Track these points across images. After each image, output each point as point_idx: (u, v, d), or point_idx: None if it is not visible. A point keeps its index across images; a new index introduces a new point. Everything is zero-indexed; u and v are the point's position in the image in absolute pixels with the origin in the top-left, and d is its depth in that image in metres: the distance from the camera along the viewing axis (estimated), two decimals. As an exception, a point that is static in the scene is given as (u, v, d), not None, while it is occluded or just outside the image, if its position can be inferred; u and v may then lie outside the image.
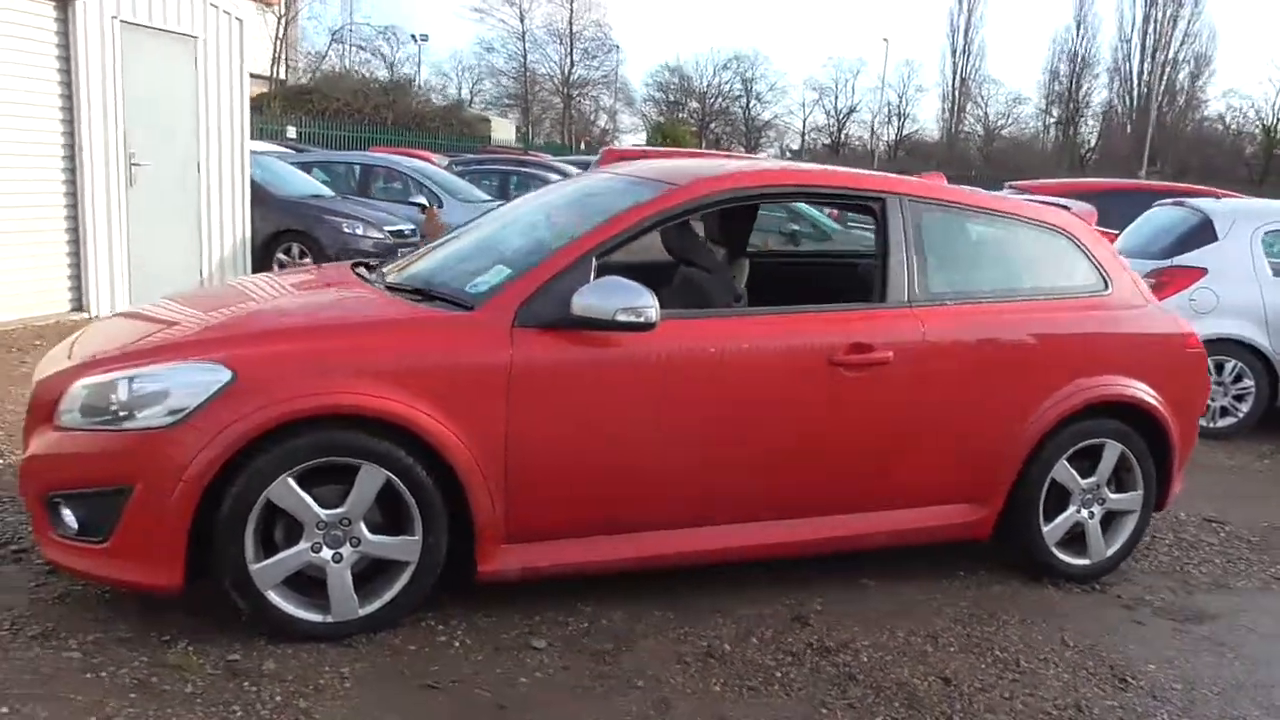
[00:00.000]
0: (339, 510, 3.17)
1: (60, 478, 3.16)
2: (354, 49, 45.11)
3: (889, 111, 64.23)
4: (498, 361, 3.26)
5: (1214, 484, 5.87)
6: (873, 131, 64.01)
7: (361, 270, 4.11)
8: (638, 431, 3.44)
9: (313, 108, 32.06)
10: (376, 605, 3.27)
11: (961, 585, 4.16)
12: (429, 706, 2.97)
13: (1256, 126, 56.44)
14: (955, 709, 3.22)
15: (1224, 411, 7.10)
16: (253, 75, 10.65)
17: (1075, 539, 4.26)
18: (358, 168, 14.07)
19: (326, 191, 12.16)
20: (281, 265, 10.77)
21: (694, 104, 62.65)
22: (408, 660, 3.20)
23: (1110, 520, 4.31)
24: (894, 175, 4.34)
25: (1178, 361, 4.34)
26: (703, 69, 63.00)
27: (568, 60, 55.99)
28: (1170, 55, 56.79)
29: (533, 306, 3.33)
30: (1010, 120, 63.96)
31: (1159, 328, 4.35)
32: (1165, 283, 6.93)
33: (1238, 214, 7.31)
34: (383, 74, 42.36)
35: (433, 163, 16.35)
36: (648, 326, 3.31)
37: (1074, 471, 4.16)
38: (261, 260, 10.45)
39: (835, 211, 11.50)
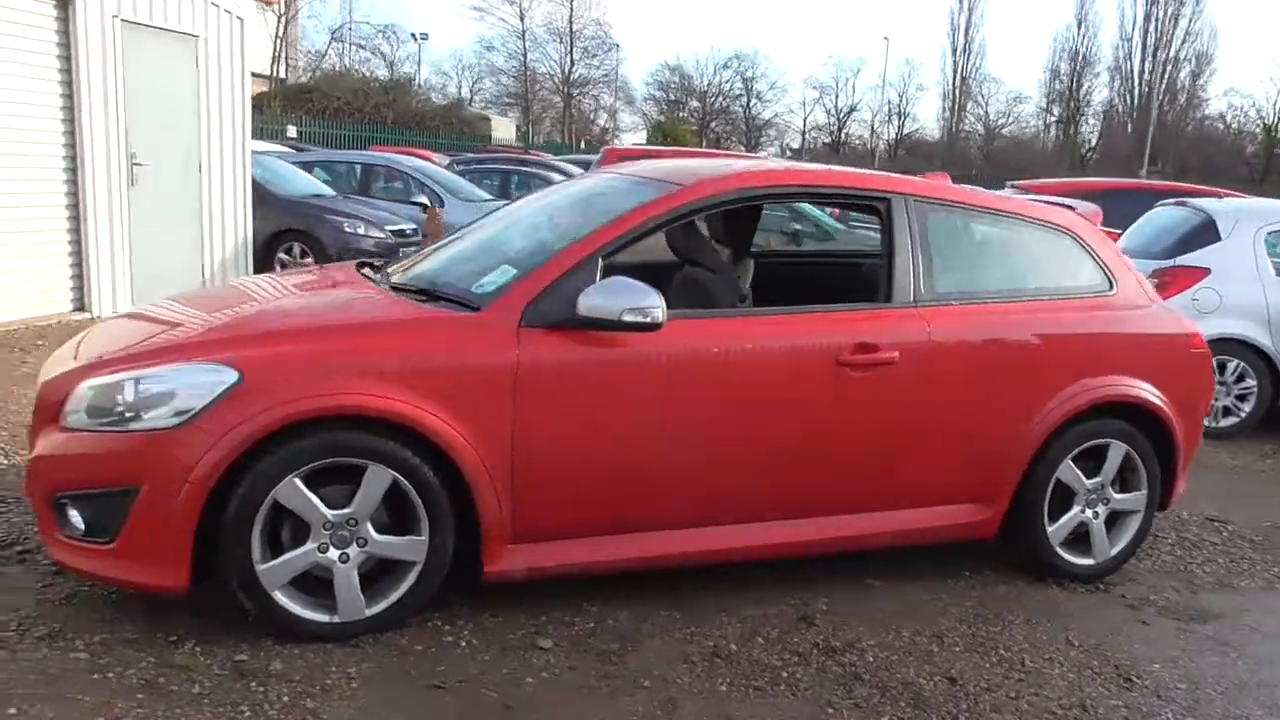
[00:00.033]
0: (346, 511, 3.17)
1: (67, 478, 3.16)
2: (354, 48, 45.14)
3: (889, 110, 64.30)
4: (504, 362, 3.26)
5: (1216, 483, 5.88)
6: (873, 130, 64.08)
7: (367, 270, 4.11)
8: (644, 432, 3.45)
9: (313, 107, 32.07)
10: (383, 605, 3.28)
11: (966, 585, 4.17)
12: (436, 707, 2.97)
13: (1257, 125, 56.49)
14: (961, 708, 3.22)
15: (1226, 411, 7.10)
16: (253, 74, 10.63)
17: (1079, 539, 4.26)
18: (359, 167, 14.06)
19: (328, 191, 12.15)
20: (283, 265, 10.77)
21: (694, 103, 62.66)
22: (414, 660, 3.20)
23: (1114, 520, 4.31)
24: (899, 175, 4.34)
25: (1182, 361, 4.34)
26: (703, 68, 63.03)
27: (568, 59, 56.04)
28: (1171, 54, 56.84)
29: (539, 307, 3.33)
30: (1011, 119, 64.03)
31: (1164, 328, 4.35)
32: (1168, 282, 6.93)
33: (1241, 214, 7.31)
34: (382, 73, 42.37)
35: (433, 162, 16.35)
36: (654, 327, 3.31)
37: (1079, 471, 4.16)
38: (263, 260, 10.45)
39: (837, 211, 11.52)
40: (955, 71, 62.11)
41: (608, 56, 57.31)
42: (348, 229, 10.79)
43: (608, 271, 3.44)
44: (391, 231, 11.10)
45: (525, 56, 55.12)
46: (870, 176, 4.19)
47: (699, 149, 28.07)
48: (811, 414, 3.67)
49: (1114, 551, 4.31)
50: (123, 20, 8.06)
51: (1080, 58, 60.62)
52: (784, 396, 3.62)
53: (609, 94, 59.75)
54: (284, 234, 10.79)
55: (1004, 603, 4.03)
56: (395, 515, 3.26)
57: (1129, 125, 58.42)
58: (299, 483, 3.09)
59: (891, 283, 3.86)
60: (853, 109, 65.53)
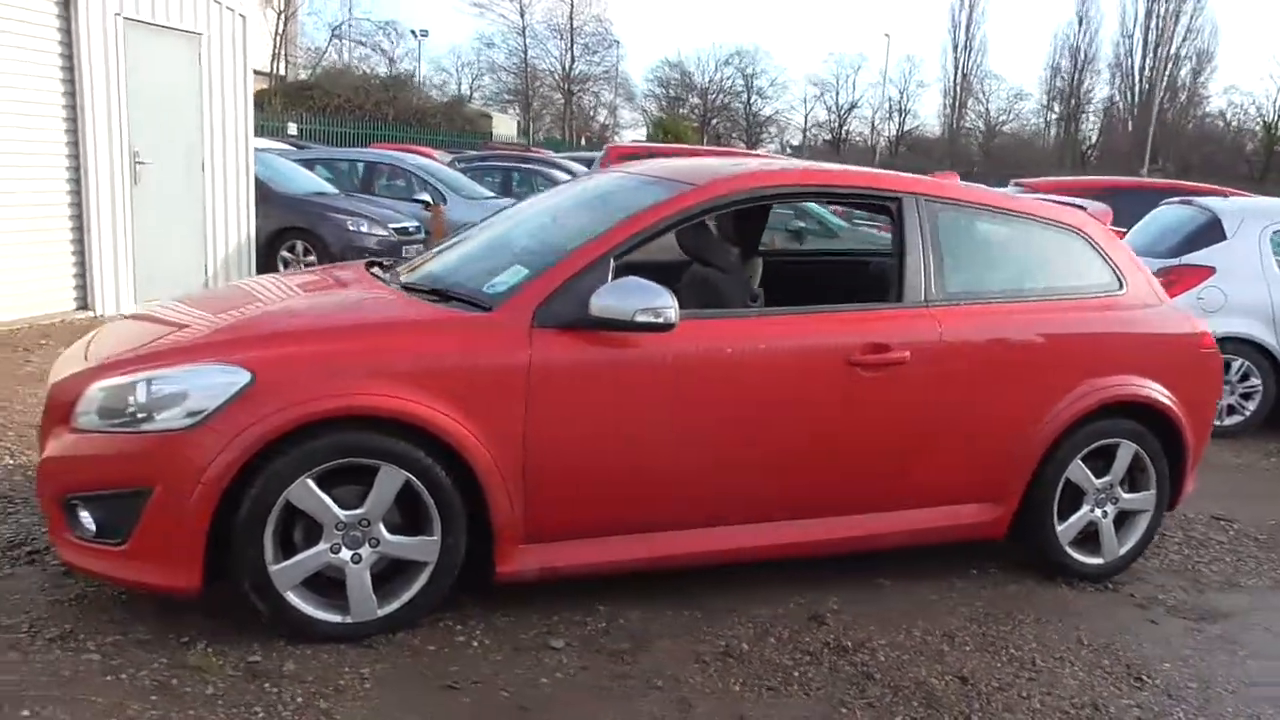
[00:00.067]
0: (358, 511, 3.17)
1: (78, 480, 3.15)
2: (353, 44, 45.12)
3: (890, 107, 64.28)
4: (516, 362, 3.25)
5: (1221, 482, 5.87)
6: (873, 127, 64.05)
7: (376, 270, 4.11)
8: (656, 432, 3.44)
9: (314, 104, 32.07)
10: (395, 606, 3.27)
11: (976, 584, 4.17)
12: (450, 708, 2.97)
13: (1257, 123, 56.48)
14: (974, 708, 3.22)
15: (1231, 410, 7.10)
16: (254, 72, 10.63)
17: (1088, 538, 4.26)
18: (361, 165, 14.04)
19: (330, 189, 12.14)
20: (286, 263, 10.76)
21: (695, 99, 62.63)
22: (427, 661, 3.20)
23: (1123, 519, 4.31)
24: (910, 175, 4.33)
25: (1192, 361, 4.34)
26: (704, 64, 62.98)
27: (568, 55, 55.99)
28: (1172, 51, 56.82)
29: (551, 307, 3.32)
30: (1012, 116, 64.01)
31: (1173, 327, 4.35)
32: (1173, 281, 6.91)
33: (1246, 213, 7.31)
34: (383, 70, 42.35)
35: (434, 159, 16.33)
36: (667, 327, 3.31)
37: (1088, 471, 4.17)
38: (265, 258, 10.43)
39: (840, 208, 11.50)
40: (956, 68, 62.12)
41: (608, 53, 57.34)
42: (351, 227, 10.78)
43: (616, 271, 3.44)
44: (394, 229, 11.09)
45: (526, 53, 55.11)
46: (882, 176, 4.19)
47: (701, 146, 28.05)
48: (823, 414, 3.67)
49: (1123, 551, 4.31)
50: (125, 18, 8.04)
51: (1081, 55, 60.64)
52: (796, 397, 3.62)
53: (609, 90, 59.78)
54: (287, 232, 10.77)
55: (1013, 602, 4.03)
56: (407, 516, 3.26)
57: (1129, 122, 58.44)
58: (311, 483, 3.09)
59: (903, 282, 3.85)
60: (853, 106, 65.54)
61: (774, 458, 3.64)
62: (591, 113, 60.16)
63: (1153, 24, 58.12)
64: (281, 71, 36.77)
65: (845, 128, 65.69)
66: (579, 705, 3.05)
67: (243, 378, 3.04)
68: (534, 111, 56.14)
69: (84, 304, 8.13)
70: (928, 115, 70.21)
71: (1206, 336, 4.40)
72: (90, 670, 2.98)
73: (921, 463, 3.88)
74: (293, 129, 27.03)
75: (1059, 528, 4.16)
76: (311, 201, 11.14)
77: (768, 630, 3.59)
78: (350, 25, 44.97)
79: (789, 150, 58.02)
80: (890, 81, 63.66)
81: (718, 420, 3.52)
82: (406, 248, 10.92)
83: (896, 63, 73.53)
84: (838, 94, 65.20)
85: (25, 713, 2.75)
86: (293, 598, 3.16)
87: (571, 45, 55.56)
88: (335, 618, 3.22)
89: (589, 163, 16.81)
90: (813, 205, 10.69)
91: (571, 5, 54.34)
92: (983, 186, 6.41)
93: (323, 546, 3.16)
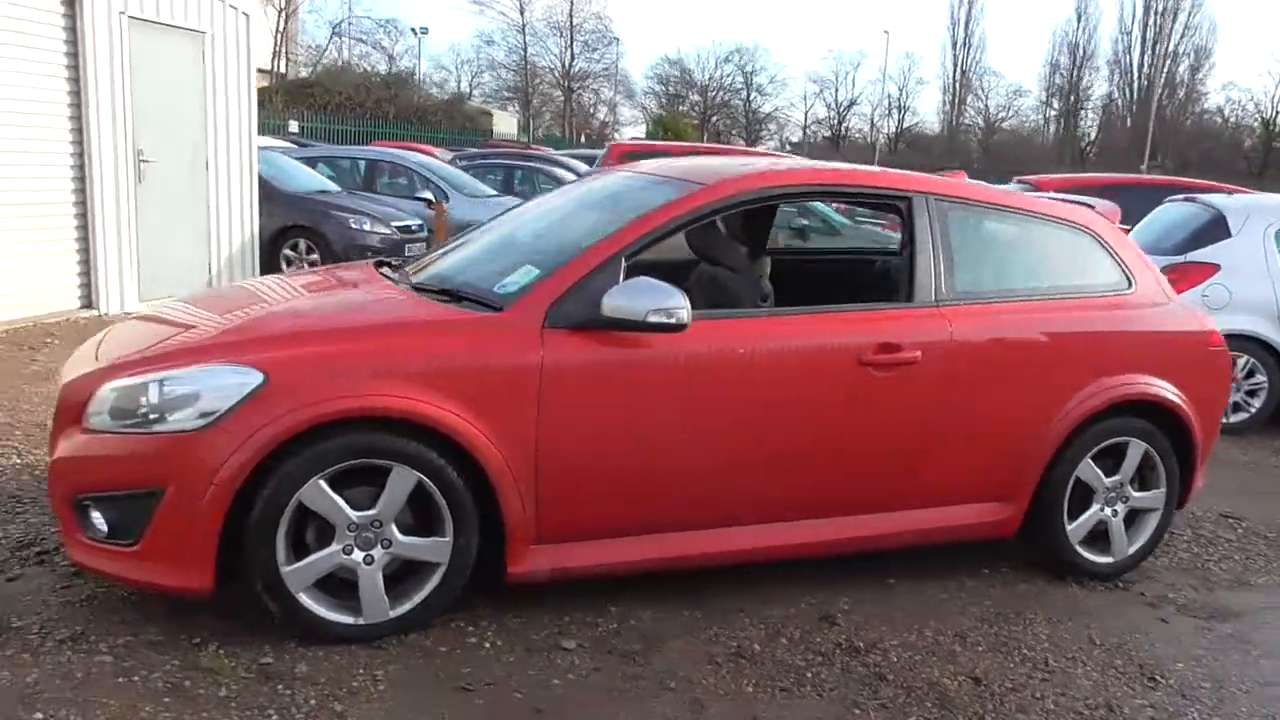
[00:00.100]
0: (370, 512, 3.16)
1: (89, 480, 3.14)
2: (353, 42, 45.09)
3: (889, 104, 64.31)
4: (528, 363, 3.24)
5: (1229, 480, 5.86)
6: (873, 124, 64.08)
7: (386, 270, 4.10)
8: (668, 433, 3.43)
9: (314, 102, 32.04)
10: (407, 607, 3.27)
11: (985, 584, 4.16)
12: (464, 710, 2.96)
13: (1255, 119, 56.50)
14: (987, 709, 3.22)
15: (1236, 407, 7.08)
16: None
17: (1098, 537, 4.26)
18: (363, 163, 14.03)
19: (333, 187, 12.12)
20: (289, 262, 10.75)
21: (695, 97, 62.64)
22: (440, 662, 3.19)
23: (1133, 518, 4.31)
24: (919, 174, 4.32)
25: (1201, 359, 4.33)
26: (704, 62, 63.04)
27: (568, 53, 55.97)
28: (1170, 48, 56.83)
29: (563, 307, 3.31)
30: (1011, 113, 64.01)
31: (1182, 325, 4.34)
32: (1178, 279, 6.89)
33: (1251, 210, 7.30)
34: (382, 67, 42.33)
35: (435, 157, 16.32)
36: (679, 328, 3.30)
37: (1098, 470, 4.16)
38: (268, 257, 10.42)
39: (843, 206, 11.50)
40: (955, 65, 62.18)
41: (608, 50, 57.35)
42: (353, 225, 10.76)
43: (626, 272, 3.42)
44: (397, 228, 11.07)
45: (525, 50, 55.10)
46: (891, 175, 4.17)
47: (704, 144, 28.02)
48: (834, 414, 3.66)
49: (1133, 549, 4.30)
50: (130, 17, 8.03)
51: (1080, 51, 60.63)
52: (807, 397, 3.61)
53: (609, 88, 59.75)
54: (289, 230, 10.76)
55: (1024, 601, 4.03)
56: (419, 516, 3.25)
57: (1128, 119, 58.47)
58: (324, 484, 3.08)
59: (913, 282, 3.85)
60: (853, 103, 65.59)
61: (785, 458, 3.63)
62: (591, 110, 60.20)
63: (1151, 21, 58.23)
64: (282, 69, 36.75)
65: (845, 125, 65.77)
66: (593, 707, 3.04)
67: (255, 378, 3.03)
68: (534, 109, 56.14)
69: (88, 302, 8.13)
70: (927, 112, 70.62)
71: (1215, 335, 4.39)
72: (103, 672, 2.98)
73: (932, 462, 3.87)
74: (294, 127, 27.01)
75: (1069, 527, 4.16)
76: (314, 200, 11.12)
77: (779, 631, 3.59)
78: (350, 23, 45.02)
79: (788, 147, 57.97)
80: (890, 78, 63.74)
81: (729, 420, 3.51)
82: (409, 246, 10.91)
83: (896, 60, 73.58)
84: (837, 91, 65.32)
85: (39, 715, 2.75)
86: (305, 599, 3.15)
87: (571, 42, 55.61)
88: (347, 619, 3.21)
89: (590, 160, 16.78)
90: (817, 203, 10.68)
91: (571, 2, 54.43)
92: (983, 184, 6.39)
93: (335, 547, 3.15)
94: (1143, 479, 4.29)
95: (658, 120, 54.60)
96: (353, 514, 3.14)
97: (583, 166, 15.73)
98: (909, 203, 3.92)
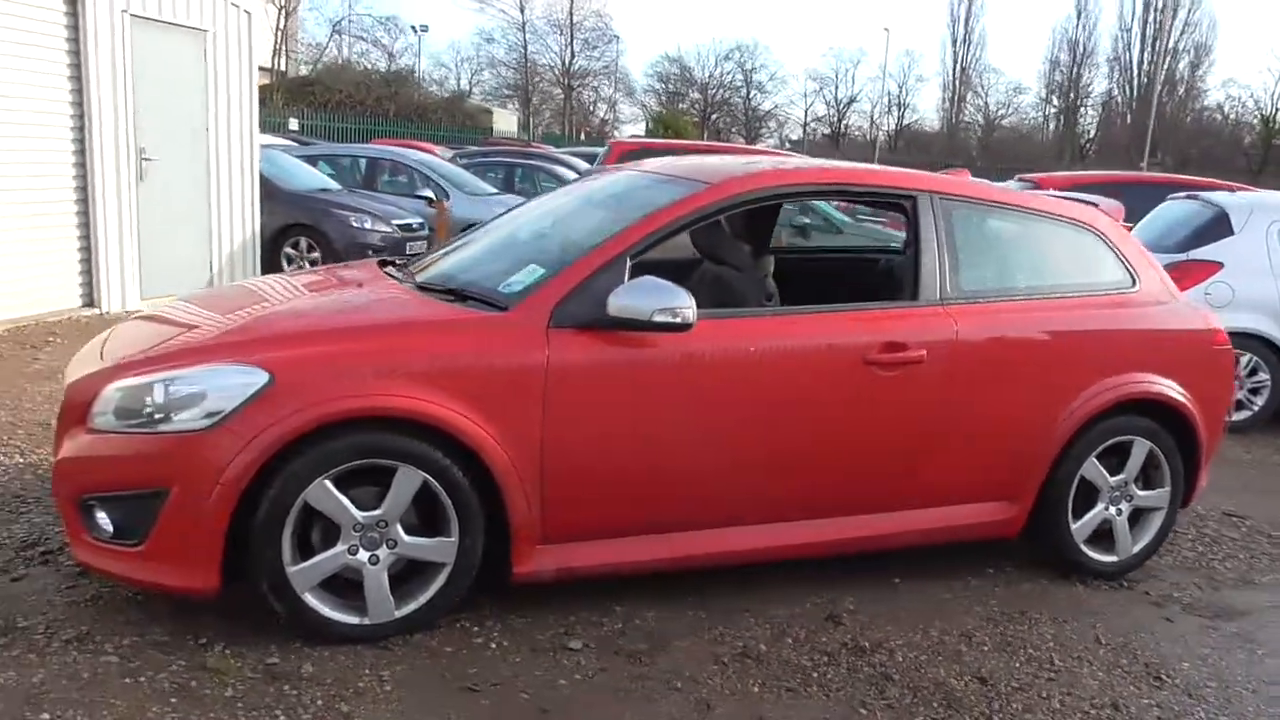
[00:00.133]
0: (376, 512, 3.16)
1: (95, 480, 3.14)
2: (353, 40, 45.07)
3: (889, 101, 64.24)
4: (533, 362, 3.24)
5: (1232, 478, 5.86)
6: (872, 121, 64.02)
7: (390, 269, 4.09)
8: (673, 432, 3.43)
9: (314, 100, 32.03)
10: (412, 607, 3.26)
11: (990, 583, 4.16)
12: (472, 710, 2.95)
13: (1255, 116, 56.50)
14: (994, 709, 3.21)
15: (1239, 405, 7.06)
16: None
17: (1102, 536, 4.25)
18: (363, 161, 14.02)
19: (334, 185, 12.11)
20: (289, 260, 10.74)
21: (695, 94, 62.56)
22: (446, 663, 3.19)
23: (1137, 517, 4.30)
24: (924, 172, 4.31)
25: (1205, 357, 4.33)
26: (704, 59, 63.08)
27: (568, 50, 55.91)
28: (1170, 44, 56.75)
29: (568, 307, 3.31)
30: (1011, 110, 63.99)
31: (1187, 324, 4.34)
32: (1180, 277, 6.89)
33: (1254, 208, 7.30)
34: (382, 65, 42.30)
35: (436, 155, 16.30)
36: (685, 327, 3.29)
37: (1102, 469, 4.16)
38: (269, 255, 10.41)
39: (844, 204, 11.49)
40: (955, 62, 62.12)
41: (608, 48, 57.28)
42: (354, 224, 10.75)
43: (631, 271, 3.42)
44: (398, 226, 11.06)
45: (525, 48, 55.04)
46: (896, 174, 4.17)
47: (703, 142, 27.99)
48: (840, 414, 3.66)
49: (1137, 548, 4.30)
50: (132, 15, 8.02)
51: (1080, 48, 60.60)
52: (813, 396, 3.60)
53: (609, 86, 59.70)
54: (290, 229, 10.75)
55: (1028, 601, 4.02)
56: (424, 517, 3.24)
57: (1128, 116, 58.44)
58: (329, 484, 3.07)
59: (918, 281, 3.84)
60: (852, 100, 65.56)
61: (791, 457, 3.62)
62: (591, 108, 60.14)
63: (1151, 17, 58.20)
64: (282, 67, 36.72)
65: (844, 122, 65.70)
66: (599, 707, 3.04)
67: (261, 378, 3.02)
68: (534, 107, 56.10)
69: (90, 301, 8.12)
70: (926, 109, 70.58)
71: (1220, 333, 4.39)
72: (109, 672, 2.97)
73: (937, 462, 3.86)
74: (294, 125, 26.99)
75: (1074, 526, 4.15)
76: (315, 198, 11.11)
77: (785, 631, 3.58)
78: (351, 20, 44.99)
79: (788, 145, 57.96)
80: (889, 76, 63.60)
81: (735, 420, 3.50)
82: (411, 244, 10.90)
83: (895, 57, 73.29)
84: (837, 88, 65.28)
85: (45, 716, 2.74)
86: (310, 599, 3.15)
87: (571, 40, 55.52)
88: (353, 619, 3.21)
89: (591, 158, 16.76)
90: (818, 201, 10.67)
91: (571, 0, 54.30)
92: (988, 183, 6.38)
93: (340, 548, 3.15)
94: (1147, 478, 4.29)
95: (657, 118, 54.51)
96: (358, 514, 3.13)
97: (583, 164, 15.71)
98: (914, 201, 3.92)
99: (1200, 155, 48.01)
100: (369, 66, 40.53)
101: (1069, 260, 4.25)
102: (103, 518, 3.12)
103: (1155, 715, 3.28)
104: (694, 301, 3.31)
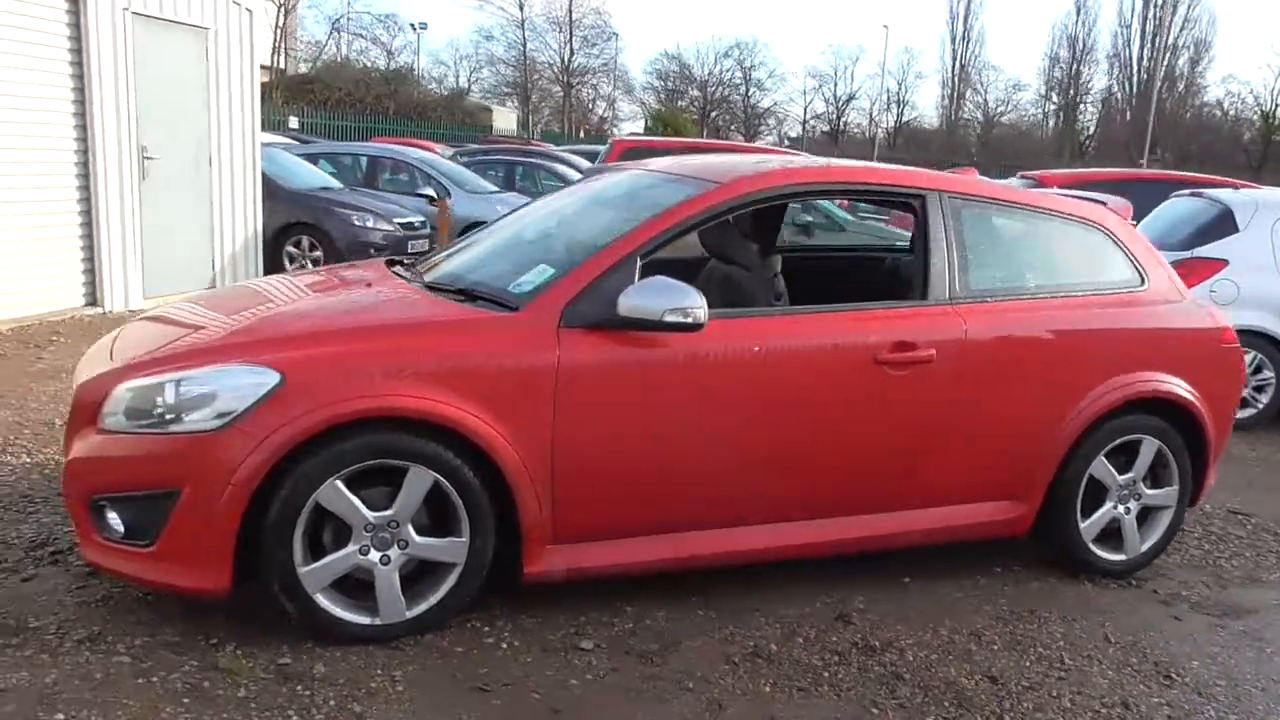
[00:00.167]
0: (387, 512, 3.16)
1: (105, 481, 3.13)
2: (352, 37, 45.04)
3: (888, 98, 64.25)
4: (544, 362, 3.24)
5: (1238, 476, 5.86)
6: (871, 118, 64.04)
7: (399, 269, 4.08)
8: (684, 432, 3.43)
9: (314, 98, 32.00)
10: (424, 607, 3.26)
11: (999, 582, 4.16)
12: (483, 710, 2.95)
13: (1255, 112, 56.51)
14: (1005, 708, 3.21)
15: (1244, 403, 7.06)
16: (259, 66, 10.58)
17: (1111, 534, 4.25)
18: (364, 159, 14.00)
19: (335, 184, 12.10)
20: (291, 259, 10.73)
21: (694, 92, 62.54)
22: (457, 663, 3.19)
23: (1145, 515, 4.30)
24: (933, 171, 4.31)
25: (1214, 356, 4.33)
26: (703, 57, 63.19)
27: (567, 48, 55.86)
28: (1170, 41, 56.76)
29: (578, 307, 3.30)
30: (1010, 107, 63.99)
31: (1195, 322, 4.33)
32: (1185, 274, 6.88)
33: (1259, 205, 7.29)
34: (382, 63, 42.28)
35: (436, 153, 16.28)
36: (696, 327, 3.29)
37: (1111, 468, 4.16)
38: (271, 254, 10.40)
39: (845, 202, 11.48)
40: (954, 59, 62.16)
41: (607, 45, 57.24)
42: (356, 222, 10.74)
43: (641, 271, 3.41)
44: (400, 225, 11.05)
45: (524, 46, 54.99)
46: (905, 173, 4.16)
47: (701, 140, 27.96)
48: (850, 413, 3.65)
49: (1145, 547, 4.30)
50: (133, 13, 8.01)
51: (1079, 45, 60.61)
52: (823, 396, 3.60)
53: (608, 83, 59.67)
54: (292, 227, 10.74)
55: (1037, 599, 4.02)
56: (435, 517, 3.24)
57: (1128, 113, 58.46)
58: (340, 485, 3.07)
59: (927, 280, 3.84)
60: (851, 97, 65.57)
61: (800, 457, 3.62)
62: (590, 105, 60.13)
63: (1151, 14, 58.24)
64: (282, 65, 36.68)
65: (843, 119, 65.68)
66: (611, 707, 3.04)
67: (272, 379, 3.02)
68: (533, 104, 56.04)
69: (93, 300, 8.11)
70: (926, 106, 70.59)
71: (1228, 331, 4.39)
72: (121, 673, 2.97)
73: (945, 461, 3.86)
74: (294, 123, 26.96)
75: (1082, 525, 4.15)
76: (317, 197, 11.10)
77: (795, 630, 3.58)
78: (350, 18, 44.97)
79: (786, 142, 57.96)
80: (888, 73, 63.67)
81: (745, 420, 3.50)
82: (412, 243, 10.89)
83: (895, 54, 73.26)
84: (836, 85, 65.30)
85: (60, 716, 2.74)
86: (322, 599, 3.14)
87: (570, 38, 55.47)
88: (364, 619, 3.20)
89: (591, 156, 16.74)
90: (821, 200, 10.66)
91: (571, -2, 54.22)
92: (995, 181, 6.38)
93: (352, 548, 3.15)
94: (1155, 476, 4.29)
95: (657, 116, 54.50)
96: (369, 514, 3.13)
97: (584, 162, 15.70)
98: (923, 200, 3.91)
99: (1200, 151, 48.04)
100: (368, 64, 40.59)
101: (1078, 259, 4.25)
102: (114, 518, 3.12)
103: (1166, 714, 3.28)
104: (705, 301, 3.30)
